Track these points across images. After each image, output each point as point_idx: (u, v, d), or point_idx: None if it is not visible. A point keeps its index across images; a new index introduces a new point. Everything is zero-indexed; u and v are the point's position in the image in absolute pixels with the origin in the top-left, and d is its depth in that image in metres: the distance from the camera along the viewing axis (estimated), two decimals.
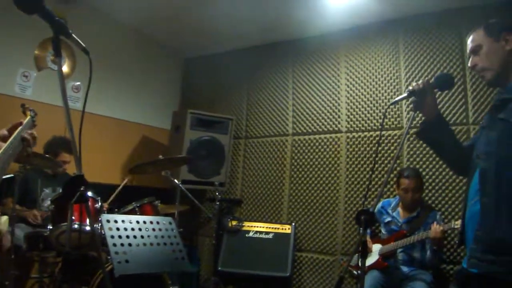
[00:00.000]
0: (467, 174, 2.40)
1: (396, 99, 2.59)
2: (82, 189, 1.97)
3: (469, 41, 2.40)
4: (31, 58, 5.34)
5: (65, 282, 3.72)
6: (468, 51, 2.42)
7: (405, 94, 2.51)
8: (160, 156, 4.62)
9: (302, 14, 5.56)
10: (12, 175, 3.88)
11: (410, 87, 2.47)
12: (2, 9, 4.86)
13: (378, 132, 5.40)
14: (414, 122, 2.55)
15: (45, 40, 5.34)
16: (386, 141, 5.30)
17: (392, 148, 5.26)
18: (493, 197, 2.08)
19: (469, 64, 2.41)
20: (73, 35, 1.95)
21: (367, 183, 5.32)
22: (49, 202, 4.61)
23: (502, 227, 2.01)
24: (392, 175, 4.87)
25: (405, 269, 4.29)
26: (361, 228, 2.30)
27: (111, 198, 5.06)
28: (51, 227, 3.77)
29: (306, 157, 5.92)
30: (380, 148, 5.32)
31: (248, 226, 5.68)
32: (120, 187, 5.23)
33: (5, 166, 1.84)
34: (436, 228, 3.94)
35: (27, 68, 5.28)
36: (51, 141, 4.86)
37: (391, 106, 3.96)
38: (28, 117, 2.43)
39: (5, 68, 5.12)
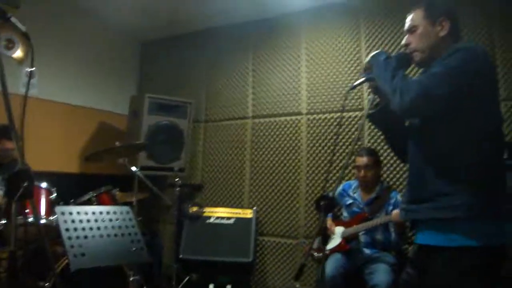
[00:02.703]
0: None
1: (356, 83, 2.60)
2: (26, 184, 1.86)
3: (408, 19, 2.44)
4: None
5: (24, 277, 3.62)
6: (405, 28, 2.46)
7: (363, 78, 2.51)
8: (117, 143, 4.50)
9: None
10: None
11: (364, 67, 2.50)
12: None
13: (338, 114, 5.36)
14: (374, 103, 2.56)
15: None
16: (347, 122, 5.26)
17: (352, 129, 5.23)
18: (415, 165, 2.37)
19: (403, 42, 2.46)
20: (11, 19, 1.84)
21: (328, 165, 5.31)
22: (1, 193, 4.49)
23: (426, 186, 2.23)
24: (353, 157, 4.85)
25: (367, 251, 4.28)
26: (321, 214, 2.29)
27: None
28: (4, 222, 3.66)
29: (266, 140, 5.87)
30: (341, 130, 5.28)
31: (209, 211, 5.62)
32: None
33: None
34: (398, 214, 3.94)
35: None
36: None
37: (348, 89, 3.94)
38: None
39: None
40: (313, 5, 5.62)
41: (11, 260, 2.02)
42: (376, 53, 2.45)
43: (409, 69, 2.67)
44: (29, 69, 5.52)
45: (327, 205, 2.25)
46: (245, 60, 6.24)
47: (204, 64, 6.61)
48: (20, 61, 5.31)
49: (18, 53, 5.25)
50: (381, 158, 4.77)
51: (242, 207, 5.76)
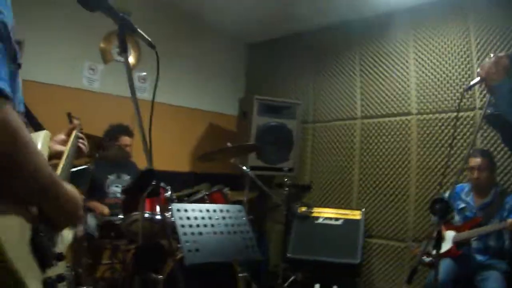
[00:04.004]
0: None
1: (472, 83, 2.52)
2: (153, 183, 1.99)
3: None
4: (97, 51, 5.47)
5: (137, 270, 3.79)
6: None
7: (478, 78, 2.44)
8: (229, 144, 4.62)
9: None
10: (85, 166, 3.99)
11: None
12: (66, 5, 4.97)
13: (450, 114, 5.16)
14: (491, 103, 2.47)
15: (109, 33, 5.47)
16: (458, 123, 5.08)
17: (464, 130, 5.03)
18: None
19: None
20: (139, 30, 1.95)
21: (442, 170, 5.11)
22: (114, 188, 4.77)
23: None
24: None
25: (479, 257, 4.11)
26: (435, 217, 2.24)
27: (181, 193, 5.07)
28: (122, 216, 3.88)
29: (376, 140, 5.78)
30: (456, 132, 5.08)
31: (317, 212, 5.63)
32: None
33: (69, 167, 1.86)
34: None
35: (93, 61, 5.41)
36: (109, 129, 4.98)
37: (464, 89, 3.77)
38: (78, 122, 2.46)
39: (72, 62, 5.30)
40: (422, 3, 5.46)
41: (137, 254, 2.13)
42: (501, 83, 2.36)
43: None
44: (147, 74, 5.82)
45: (443, 208, 2.20)
46: (352, 60, 6.19)
47: (310, 65, 6.64)
48: (132, 67, 5.59)
49: (130, 59, 5.52)
50: (496, 160, 4.54)
51: (350, 208, 5.72)
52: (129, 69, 1.95)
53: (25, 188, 1.16)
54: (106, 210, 4.47)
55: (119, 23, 1.88)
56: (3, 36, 1.13)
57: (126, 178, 4.98)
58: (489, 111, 2.55)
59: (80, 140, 2.27)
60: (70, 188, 1.37)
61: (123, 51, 1.91)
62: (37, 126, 2.40)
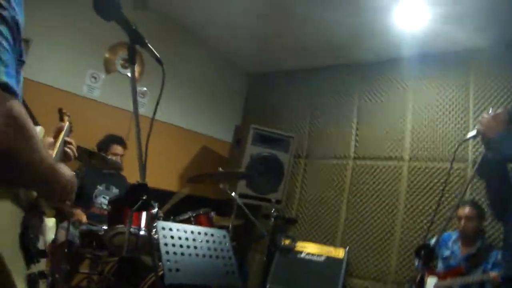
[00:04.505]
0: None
1: (469, 135, 2.59)
2: (144, 197, 1.99)
3: None
4: (101, 60, 5.52)
5: (116, 282, 3.76)
6: None
7: (475, 132, 2.52)
8: (220, 169, 4.64)
9: (372, 40, 5.53)
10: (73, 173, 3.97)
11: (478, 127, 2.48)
12: (78, 9, 5.03)
13: (441, 163, 5.23)
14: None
15: (116, 44, 5.51)
16: (451, 171, 5.11)
17: (455, 180, 5.09)
18: None
19: None
20: (149, 44, 1.98)
21: (430, 216, 5.14)
22: (102, 199, 4.75)
23: None
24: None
25: None
26: (418, 262, 2.26)
27: (166, 206, 5.09)
28: (106, 228, 3.85)
29: (366, 181, 5.82)
30: (447, 181, 5.12)
31: (300, 246, 5.62)
32: (178, 199, 5.22)
33: None
34: (496, 275, 3.77)
35: (96, 70, 5.44)
36: (103, 138, 4.98)
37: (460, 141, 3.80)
38: (67, 123, 2.45)
39: (75, 68, 5.32)
40: (424, 52, 5.56)
41: (120, 265, 2.11)
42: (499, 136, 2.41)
43: None
44: (147, 90, 5.85)
45: (428, 254, 2.22)
46: (351, 101, 6.27)
47: (309, 101, 6.72)
48: None
49: None
50: (485, 211, 4.55)
51: (334, 245, 5.71)
52: (134, 82, 1.97)
53: (30, 176, 1.23)
54: (83, 217, 4.43)
55: (131, 35, 1.90)
56: (15, 34, 1.18)
57: (115, 190, 4.96)
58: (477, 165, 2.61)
59: (69, 146, 2.26)
60: (65, 169, 1.48)
61: (132, 63, 1.93)
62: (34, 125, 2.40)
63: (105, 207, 4.70)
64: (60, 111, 2.75)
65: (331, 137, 6.33)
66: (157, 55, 2.00)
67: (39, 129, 1.68)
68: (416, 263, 4.65)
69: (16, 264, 1.19)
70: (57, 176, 1.39)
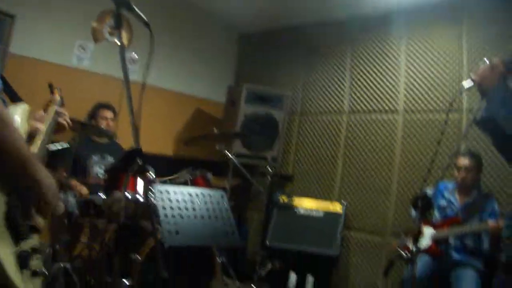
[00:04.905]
0: None
1: (466, 86, 2.55)
2: (140, 161, 1.99)
3: None
4: (88, 30, 5.44)
5: (116, 249, 3.79)
6: None
7: (471, 81, 2.49)
8: (215, 130, 4.63)
9: None
10: (67, 145, 3.98)
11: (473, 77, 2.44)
12: None
13: (436, 114, 5.22)
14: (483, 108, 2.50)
15: (102, 13, 5.43)
16: (449, 122, 5.09)
17: (451, 132, 5.09)
18: None
19: None
20: (135, 7, 1.95)
21: (428, 165, 5.10)
22: (98, 169, 4.75)
23: None
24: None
25: (456, 255, 4.17)
26: (415, 212, 2.26)
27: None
28: (103, 196, 3.86)
29: (361, 135, 5.83)
30: (444, 131, 5.09)
31: (298, 202, 5.65)
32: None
33: (46, 143, 1.86)
34: (494, 224, 3.81)
35: (84, 40, 5.38)
36: (92, 107, 4.97)
37: (458, 92, 3.76)
38: (58, 97, 2.42)
39: (62, 40, 5.26)
40: (416, 5, 5.48)
41: (119, 231, 2.11)
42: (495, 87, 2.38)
43: None
44: (133, 54, 5.79)
45: (425, 205, 2.23)
46: (343, 55, 6.21)
47: (301, 58, 6.65)
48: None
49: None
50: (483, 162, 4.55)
51: (331, 200, 5.75)
52: (122, 46, 1.95)
53: (3, 164, 1.18)
54: (84, 190, 4.44)
55: None
56: None
57: (110, 159, 4.95)
58: (479, 117, 2.56)
59: (62, 116, 2.24)
60: (43, 169, 1.38)
61: (118, 27, 1.91)
62: (17, 101, 2.35)
63: (101, 176, 4.70)
64: (50, 86, 2.71)
65: (325, 93, 6.31)
66: (144, 18, 1.97)
67: (23, 108, 1.66)
68: (413, 214, 4.68)
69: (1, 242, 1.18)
70: (35, 167, 1.30)
